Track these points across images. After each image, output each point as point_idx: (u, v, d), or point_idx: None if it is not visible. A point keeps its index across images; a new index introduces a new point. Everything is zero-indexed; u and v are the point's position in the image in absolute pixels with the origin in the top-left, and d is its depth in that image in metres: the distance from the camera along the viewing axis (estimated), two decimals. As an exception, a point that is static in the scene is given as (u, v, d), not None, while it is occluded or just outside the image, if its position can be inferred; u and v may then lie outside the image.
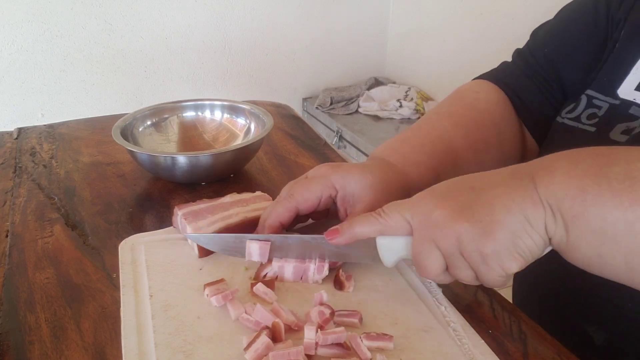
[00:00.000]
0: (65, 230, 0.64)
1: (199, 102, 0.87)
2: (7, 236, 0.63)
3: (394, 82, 2.63)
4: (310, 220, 0.62)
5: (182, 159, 0.70)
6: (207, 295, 0.51)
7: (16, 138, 0.90)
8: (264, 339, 0.44)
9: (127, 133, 0.78)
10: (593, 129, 0.56)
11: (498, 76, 0.71)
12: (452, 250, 0.44)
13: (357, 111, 2.47)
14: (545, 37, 0.68)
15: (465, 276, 0.45)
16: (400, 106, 2.37)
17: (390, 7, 2.65)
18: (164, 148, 0.83)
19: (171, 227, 0.62)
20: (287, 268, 0.54)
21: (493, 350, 0.46)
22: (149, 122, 0.83)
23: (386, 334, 0.46)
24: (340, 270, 0.50)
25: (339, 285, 0.49)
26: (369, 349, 0.44)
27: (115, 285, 0.54)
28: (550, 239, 0.42)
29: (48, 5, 2.02)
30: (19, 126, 0.94)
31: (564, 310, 0.61)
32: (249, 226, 0.58)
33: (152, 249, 0.59)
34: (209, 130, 0.87)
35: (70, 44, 2.10)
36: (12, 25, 2.00)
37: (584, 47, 0.63)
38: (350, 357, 0.44)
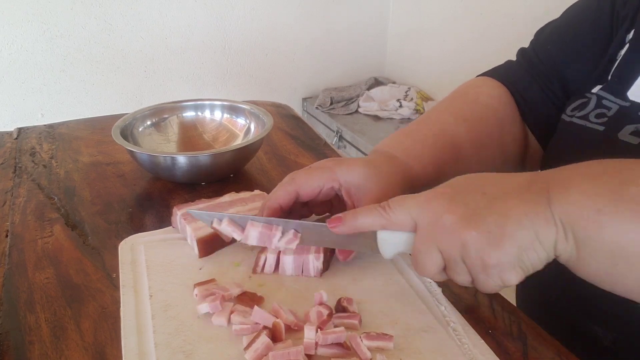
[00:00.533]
0: (65, 230, 0.64)
1: (199, 102, 0.87)
2: (7, 236, 0.63)
3: (394, 82, 2.63)
4: (313, 216, 0.62)
5: (182, 159, 0.70)
6: (196, 295, 0.51)
7: (16, 138, 0.90)
8: (264, 339, 0.44)
9: (127, 133, 0.78)
10: (601, 128, 0.56)
11: (501, 73, 0.71)
12: (454, 255, 0.44)
13: (357, 111, 2.47)
14: (549, 36, 0.69)
15: (462, 280, 0.45)
16: (400, 106, 2.37)
17: (390, 7, 2.65)
18: (164, 148, 0.83)
19: (171, 227, 0.62)
20: (287, 262, 0.54)
21: (493, 350, 0.46)
22: (148, 122, 0.83)
23: (386, 334, 0.46)
24: (342, 297, 0.51)
25: (342, 309, 0.50)
26: (369, 348, 0.44)
27: (115, 285, 0.54)
28: (557, 256, 0.42)
29: (48, 5, 2.02)
30: (19, 126, 0.94)
31: (570, 310, 0.61)
32: None
33: (152, 248, 0.59)
34: (209, 130, 0.87)
35: (70, 44, 2.10)
36: (12, 25, 2.00)
37: (587, 45, 0.63)
38: (350, 357, 0.44)
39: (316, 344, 0.45)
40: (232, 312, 0.48)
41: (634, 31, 0.58)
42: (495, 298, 0.53)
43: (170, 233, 0.62)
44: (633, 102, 0.55)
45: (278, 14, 2.43)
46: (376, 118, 2.40)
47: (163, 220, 0.66)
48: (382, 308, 0.51)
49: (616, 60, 0.59)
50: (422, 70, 2.53)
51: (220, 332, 0.47)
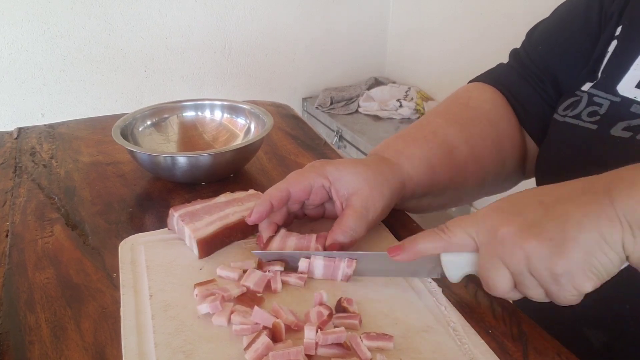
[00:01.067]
0: (65, 230, 0.64)
1: (199, 102, 0.87)
2: (7, 236, 0.63)
3: (394, 82, 2.63)
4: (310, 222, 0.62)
5: (182, 159, 0.70)
6: (196, 295, 0.51)
7: (16, 138, 0.90)
8: (264, 339, 0.44)
9: (127, 133, 0.78)
10: (594, 127, 0.56)
11: (493, 77, 0.72)
12: (520, 268, 0.42)
13: (357, 111, 2.47)
14: (539, 36, 0.69)
15: (535, 294, 0.44)
16: (400, 106, 2.37)
17: (390, 7, 2.65)
18: (164, 148, 0.83)
19: (171, 227, 0.62)
20: (317, 265, 0.54)
21: (493, 351, 0.46)
22: (148, 122, 0.83)
23: (386, 334, 0.46)
24: (342, 297, 0.51)
25: (342, 310, 0.50)
26: (369, 349, 0.44)
27: (115, 285, 0.54)
28: (627, 257, 0.40)
29: (48, 5, 2.02)
30: (19, 126, 0.94)
31: (562, 312, 0.61)
32: (247, 225, 0.59)
33: (152, 249, 0.59)
34: (209, 130, 0.87)
35: (70, 43, 2.10)
36: (12, 25, 2.00)
37: (577, 43, 0.64)
38: (350, 357, 0.44)
39: (316, 344, 0.44)
40: (232, 312, 0.48)
41: (622, 27, 0.58)
42: (495, 298, 0.53)
43: (170, 233, 0.62)
44: (623, 97, 0.55)
45: (278, 14, 2.43)
46: (376, 118, 2.40)
47: (163, 220, 0.66)
48: (382, 308, 0.51)
49: (605, 56, 0.59)
50: (422, 70, 2.53)
51: (220, 332, 0.47)
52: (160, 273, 0.55)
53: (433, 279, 0.54)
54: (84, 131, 0.93)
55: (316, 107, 2.53)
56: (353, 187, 0.56)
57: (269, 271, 0.54)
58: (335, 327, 0.47)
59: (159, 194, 0.73)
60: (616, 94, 0.56)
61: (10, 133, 0.92)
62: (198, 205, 0.61)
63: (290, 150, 0.87)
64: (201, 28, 2.31)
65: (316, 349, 0.44)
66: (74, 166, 0.80)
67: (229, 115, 0.87)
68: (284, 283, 0.53)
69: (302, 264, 0.54)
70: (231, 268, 0.54)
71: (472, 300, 0.53)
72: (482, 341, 0.47)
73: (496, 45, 2.01)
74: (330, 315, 0.48)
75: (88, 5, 2.07)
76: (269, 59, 2.51)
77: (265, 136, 0.76)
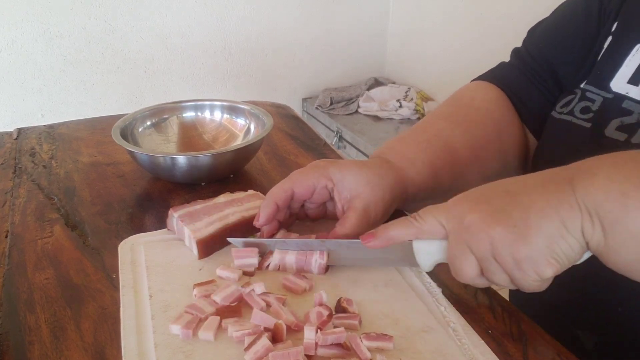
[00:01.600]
0: (65, 230, 0.64)
1: (199, 103, 0.87)
2: (6, 236, 0.63)
3: (394, 82, 2.63)
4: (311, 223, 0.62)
5: (181, 160, 0.70)
6: (195, 295, 0.51)
7: (16, 138, 0.90)
8: (265, 342, 0.44)
9: (127, 133, 0.78)
10: (588, 125, 0.56)
11: (495, 75, 0.72)
12: (485, 254, 0.44)
13: (356, 111, 2.47)
14: (541, 34, 0.69)
15: (500, 280, 0.45)
16: (400, 106, 2.37)
17: (390, 7, 2.65)
18: (164, 148, 0.83)
19: (171, 228, 0.62)
20: (289, 260, 0.55)
21: (493, 351, 0.46)
22: (148, 123, 0.83)
23: (386, 334, 0.46)
24: (341, 297, 0.51)
25: (341, 310, 0.50)
26: (369, 349, 0.44)
27: (115, 286, 0.54)
28: (587, 243, 0.41)
29: (48, 6, 2.02)
30: (19, 126, 0.94)
31: (554, 314, 0.61)
32: (247, 225, 0.59)
33: (151, 249, 0.59)
34: (209, 131, 0.87)
35: (70, 44, 2.10)
36: (12, 26, 2.00)
37: (577, 41, 0.64)
38: (350, 357, 0.44)
39: (316, 344, 0.44)
40: (220, 327, 0.47)
41: (617, 23, 0.58)
42: (495, 298, 0.53)
43: (170, 233, 0.62)
44: (616, 94, 0.55)
45: (278, 14, 2.43)
46: (376, 118, 2.40)
47: (163, 220, 0.66)
48: (382, 308, 0.51)
49: (600, 52, 0.59)
50: (422, 70, 2.53)
51: (220, 333, 0.47)
52: (160, 273, 0.55)
53: (432, 280, 0.54)
54: (83, 132, 0.93)
55: (316, 108, 2.53)
56: (355, 189, 0.56)
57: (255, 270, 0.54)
58: (335, 327, 0.47)
59: (158, 194, 0.73)
60: (609, 90, 0.56)
61: (10, 133, 0.92)
62: (198, 206, 0.61)
63: (290, 151, 0.87)
64: (201, 28, 2.31)
65: (316, 349, 0.44)
66: (73, 167, 0.80)
67: (228, 116, 0.87)
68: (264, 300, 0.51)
69: (275, 258, 0.55)
70: (231, 269, 0.54)
71: (471, 300, 0.53)
72: (482, 341, 0.47)
73: (496, 45, 2.01)
74: (330, 316, 0.48)
75: (88, 5, 2.07)
76: (269, 60, 2.50)
77: (265, 137, 0.76)
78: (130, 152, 0.72)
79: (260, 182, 0.77)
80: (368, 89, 2.57)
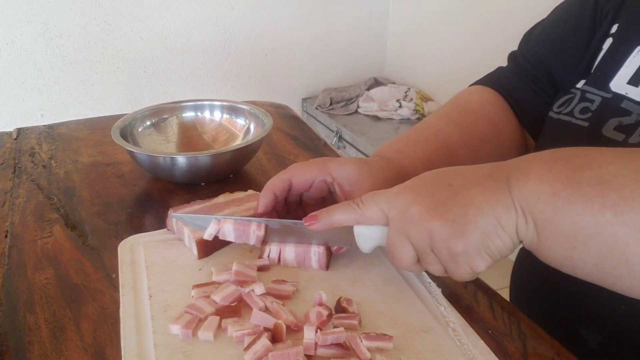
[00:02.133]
0: (65, 230, 0.64)
1: (199, 103, 0.87)
2: (6, 236, 0.63)
3: (394, 83, 2.63)
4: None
5: (181, 160, 0.70)
6: (193, 296, 0.51)
7: (15, 138, 0.90)
8: (264, 342, 0.44)
9: (127, 133, 0.78)
10: (586, 124, 0.56)
11: (491, 79, 0.73)
12: (423, 245, 0.45)
13: (356, 111, 2.47)
14: (536, 37, 0.70)
15: (435, 270, 0.47)
16: (400, 106, 2.37)
17: (390, 7, 2.65)
18: (164, 148, 0.83)
19: (171, 228, 0.62)
20: (227, 229, 0.55)
21: (492, 351, 0.46)
22: (148, 123, 0.83)
23: (385, 334, 0.46)
24: (341, 297, 0.51)
25: (341, 310, 0.50)
26: (369, 349, 0.44)
27: (114, 286, 0.54)
28: (521, 241, 0.43)
29: (47, 6, 2.02)
30: (19, 126, 0.94)
31: (557, 312, 0.61)
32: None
33: (151, 249, 0.59)
34: (209, 131, 0.87)
35: (69, 44, 2.10)
36: (11, 26, 2.00)
37: (571, 40, 0.64)
38: (349, 357, 0.44)
39: (316, 344, 0.45)
40: (220, 326, 0.47)
41: (618, 25, 0.58)
42: (495, 298, 0.53)
43: (169, 233, 0.62)
44: (615, 93, 0.55)
45: (278, 14, 2.43)
46: (376, 118, 2.40)
47: (162, 220, 0.66)
48: (382, 308, 0.51)
49: (599, 53, 0.60)
50: (422, 70, 2.53)
51: (219, 333, 0.47)
52: (159, 273, 0.55)
53: (432, 280, 0.54)
54: (83, 132, 0.93)
55: (316, 108, 2.53)
56: (357, 182, 0.57)
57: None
58: (334, 327, 0.47)
59: (158, 194, 0.73)
60: (608, 90, 0.56)
61: (9, 133, 0.92)
62: (197, 206, 0.61)
63: (289, 151, 0.87)
64: (201, 28, 2.31)
65: (316, 349, 0.44)
66: (73, 167, 0.80)
67: (228, 116, 0.87)
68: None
69: (212, 228, 0.55)
70: (229, 272, 0.54)
71: (471, 300, 0.53)
72: (482, 341, 0.47)
73: (496, 45, 2.01)
74: (329, 316, 0.48)
75: (87, 5, 2.07)
76: (269, 60, 2.50)
77: (265, 137, 0.76)
78: (130, 152, 0.72)
79: (260, 182, 0.77)
80: (368, 89, 2.57)
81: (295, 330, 0.47)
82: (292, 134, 0.93)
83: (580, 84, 0.60)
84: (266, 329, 0.46)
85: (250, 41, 2.42)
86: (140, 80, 2.28)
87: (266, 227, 0.56)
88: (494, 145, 0.68)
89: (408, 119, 2.35)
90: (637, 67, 0.55)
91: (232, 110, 0.87)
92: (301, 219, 0.63)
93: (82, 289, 0.54)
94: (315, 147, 0.88)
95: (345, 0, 2.54)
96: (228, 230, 0.56)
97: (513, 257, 0.62)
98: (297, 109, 2.63)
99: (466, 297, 0.53)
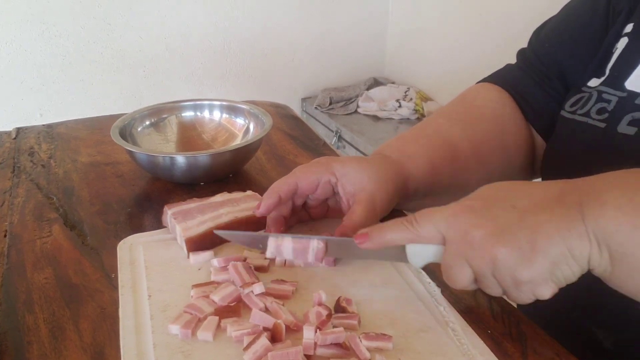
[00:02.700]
0: (64, 230, 0.64)
1: (198, 102, 0.87)
2: (5, 236, 0.63)
3: (393, 82, 2.63)
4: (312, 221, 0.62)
5: (180, 159, 0.70)
6: (192, 297, 0.51)
7: (15, 138, 0.90)
8: (264, 342, 0.44)
9: (126, 133, 0.77)
10: (603, 125, 0.56)
11: (499, 77, 0.72)
12: (484, 271, 0.43)
13: (356, 111, 2.47)
14: (546, 34, 0.69)
15: (493, 292, 0.45)
16: (400, 106, 2.37)
17: (389, 7, 2.65)
18: (163, 148, 0.83)
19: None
20: (286, 246, 0.54)
21: (492, 351, 0.46)
22: (147, 122, 0.83)
23: (385, 334, 0.46)
24: (341, 297, 0.51)
25: (341, 310, 0.50)
26: (368, 349, 0.44)
27: (114, 286, 0.54)
28: (591, 269, 0.42)
29: (47, 5, 2.02)
30: (18, 126, 0.94)
31: (571, 312, 0.61)
32: (239, 226, 0.58)
33: (150, 249, 0.59)
34: (208, 131, 0.87)
35: (69, 43, 2.10)
36: (11, 25, 2.00)
37: (583, 38, 0.64)
38: (349, 357, 0.44)
39: (315, 344, 0.44)
40: (219, 326, 0.47)
41: (633, 24, 0.58)
42: (495, 298, 0.53)
43: (168, 233, 0.61)
44: (630, 92, 0.55)
45: (278, 14, 2.43)
46: (375, 118, 2.40)
47: (162, 220, 0.66)
48: (381, 308, 0.50)
49: (612, 53, 0.59)
50: (422, 70, 2.53)
51: (219, 333, 0.47)
52: (158, 273, 0.55)
53: (432, 280, 0.54)
54: (82, 131, 0.93)
55: (315, 108, 2.53)
56: (359, 182, 0.57)
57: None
58: (334, 327, 0.47)
59: (157, 194, 0.73)
60: (623, 89, 0.56)
61: (8, 133, 0.92)
62: (193, 204, 0.61)
63: (289, 151, 0.86)
64: (200, 28, 2.30)
65: (315, 349, 0.44)
66: (72, 166, 0.80)
67: (227, 116, 0.87)
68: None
69: (271, 244, 0.54)
70: (226, 272, 0.54)
71: (471, 300, 0.53)
72: (481, 341, 0.47)
73: (496, 45, 2.01)
74: (329, 316, 0.48)
75: (87, 5, 2.07)
76: (268, 59, 2.50)
77: (264, 136, 0.76)
78: (129, 152, 0.72)
79: (259, 182, 0.77)
80: (367, 89, 2.57)
81: (294, 330, 0.47)
82: (292, 134, 0.93)
83: (593, 83, 0.59)
84: (265, 329, 0.46)
85: (249, 41, 2.42)
86: (140, 80, 2.28)
87: (326, 243, 0.54)
88: (499, 141, 0.67)
89: (408, 118, 2.35)
90: None
91: (232, 110, 0.87)
92: (305, 221, 0.63)
93: (81, 289, 0.54)
94: (314, 147, 0.88)
95: (345, 0, 2.54)
96: (286, 247, 0.54)
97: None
98: (296, 108, 2.63)
99: (466, 297, 0.53)
